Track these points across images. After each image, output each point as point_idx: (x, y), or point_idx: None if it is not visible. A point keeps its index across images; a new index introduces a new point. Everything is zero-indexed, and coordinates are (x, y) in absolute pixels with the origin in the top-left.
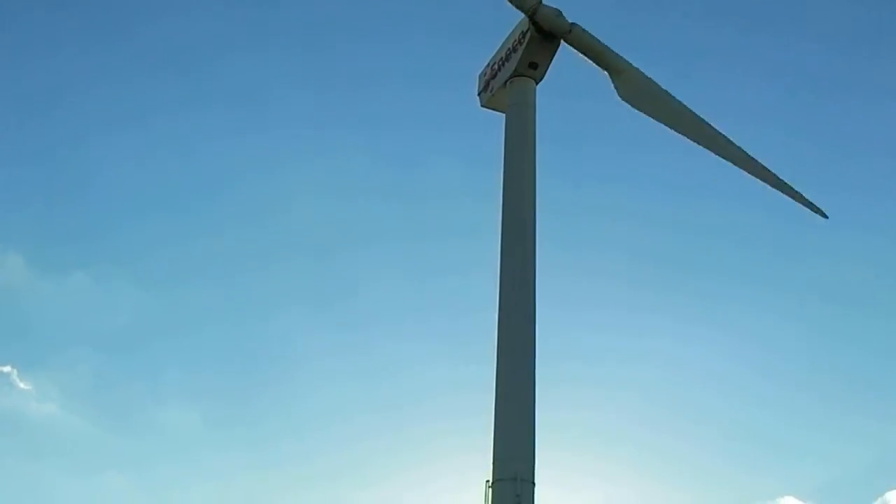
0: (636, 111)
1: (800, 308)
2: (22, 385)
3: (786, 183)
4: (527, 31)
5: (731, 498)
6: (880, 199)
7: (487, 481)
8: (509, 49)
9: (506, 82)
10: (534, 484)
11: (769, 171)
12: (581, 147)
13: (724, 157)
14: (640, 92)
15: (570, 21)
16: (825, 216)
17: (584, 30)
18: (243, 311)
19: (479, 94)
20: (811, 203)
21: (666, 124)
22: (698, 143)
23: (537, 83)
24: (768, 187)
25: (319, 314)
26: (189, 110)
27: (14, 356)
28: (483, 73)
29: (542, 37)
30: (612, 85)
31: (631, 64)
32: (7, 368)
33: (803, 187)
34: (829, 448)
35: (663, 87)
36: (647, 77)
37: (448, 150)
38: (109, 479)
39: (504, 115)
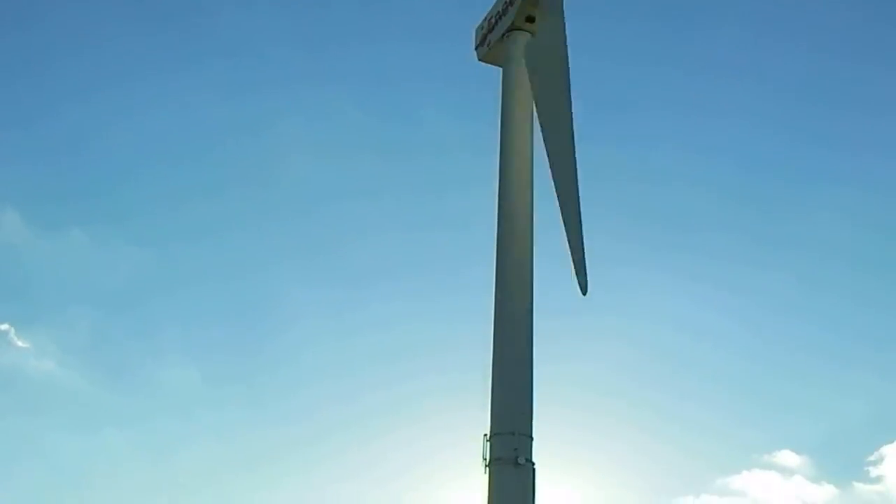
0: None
1: (794, 261)
2: (20, 343)
3: (579, 239)
4: None
5: (727, 452)
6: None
7: (485, 435)
8: (506, 2)
9: (503, 36)
10: (532, 438)
11: (576, 217)
12: (577, 100)
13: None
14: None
15: None
16: (584, 293)
17: None
18: (240, 268)
19: (476, 49)
20: (582, 273)
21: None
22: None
23: (534, 37)
24: None
25: (315, 270)
26: (182, 67)
27: (11, 314)
28: (480, 27)
29: None
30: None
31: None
32: (5, 326)
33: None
34: (826, 402)
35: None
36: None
37: (445, 105)
38: (108, 436)
39: (501, 69)
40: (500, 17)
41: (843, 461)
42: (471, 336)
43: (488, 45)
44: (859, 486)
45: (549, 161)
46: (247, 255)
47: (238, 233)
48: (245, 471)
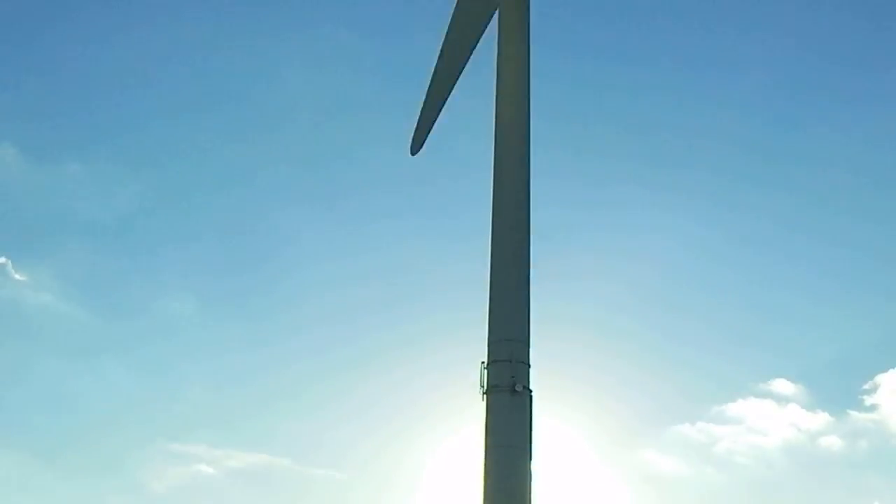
0: None
1: (798, 180)
2: (17, 276)
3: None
4: None
5: (723, 381)
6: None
7: (483, 362)
8: None
9: None
10: (529, 366)
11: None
12: (577, 19)
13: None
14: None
15: None
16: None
17: None
18: (235, 193)
19: None
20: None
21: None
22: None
23: None
24: None
25: (309, 187)
26: None
27: (8, 247)
28: None
29: None
30: None
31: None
32: (2, 260)
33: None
34: (820, 332)
35: None
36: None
37: (440, 21)
38: (106, 364)
39: None
40: None
41: (837, 390)
42: (469, 262)
43: None
44: (854, 415)
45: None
46: (239, 175)
47: (231, 152)
48: (243, 394)
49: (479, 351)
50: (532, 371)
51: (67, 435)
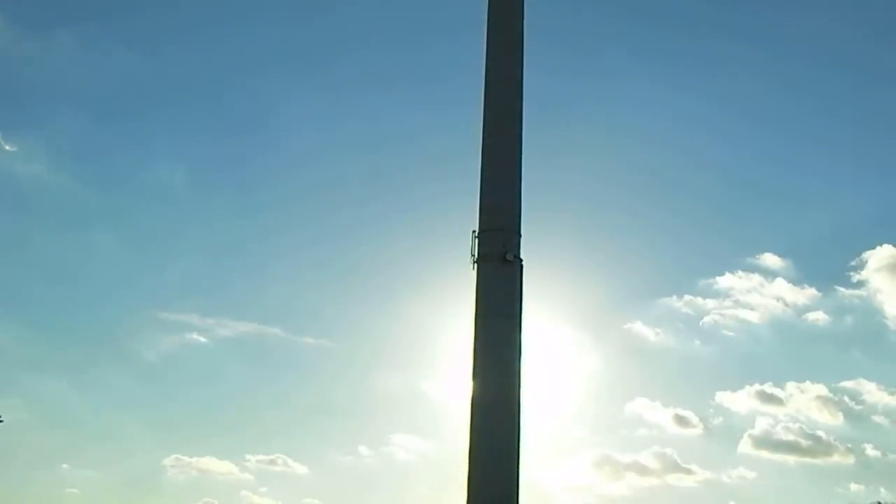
0: None
1: (794, 53)
2: (8, 147)
3: None
4: None
5: (710, 254)
6: None
7: (473, 231)
8: None
9: None
10: (520, 235)
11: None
12: None
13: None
14: None
15: None
16: None
17: None
18: (225, 60)
19: None
20: None
21: None
22: None
23: None
24: None
25: (299, 54)
26: None
27: None
28: None
29: None
30: None
31: None
32: None
33: None
34: (809, 208)
35: None
36: None
37: None
38: (98, 234)
39: None
40: None
41: (825, 266)
42: (462, 128)
43: None
44: (841, 291)
45: None
46: (230, 42)
47: (220, 18)
48: (233, 262)
49: (471, 220)
50: (523, 241)
51: (60, 305)
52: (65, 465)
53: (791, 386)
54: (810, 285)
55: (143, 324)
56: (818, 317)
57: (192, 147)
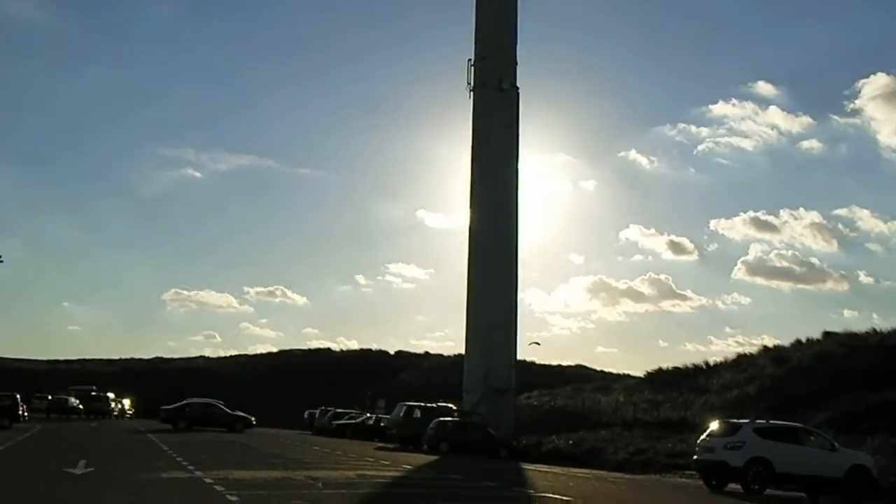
0: None
1: None
2: None
3: None
4: None
5: (703, 83)
6: None
7: (469, 60)
8: None
9: None
10: (516, 63)
11: None
12: None
13: None
14: None
15: None
16: None
17: None
18: None
19: None
20: None
21: None
22: None
23: None
24: None
25: None
26: None
27: None
28: None
29: None
30: None
31: None
32: None
33: None
34: (803, 36)
35: None
36: None
37: None
38: (93, 76)
39: None
40: None
41: (819, 93)
42: None
43: None
44: (835, 119)
45: None
46: None
47: None
48: (227, 93)
49: (466, 49)
50: (519, 69)
51: (56, 142)
52: (65, 304)
53: (785, 213)
54: (804, 113)
55: (139, 159)
56: (812, 144)
57: None
